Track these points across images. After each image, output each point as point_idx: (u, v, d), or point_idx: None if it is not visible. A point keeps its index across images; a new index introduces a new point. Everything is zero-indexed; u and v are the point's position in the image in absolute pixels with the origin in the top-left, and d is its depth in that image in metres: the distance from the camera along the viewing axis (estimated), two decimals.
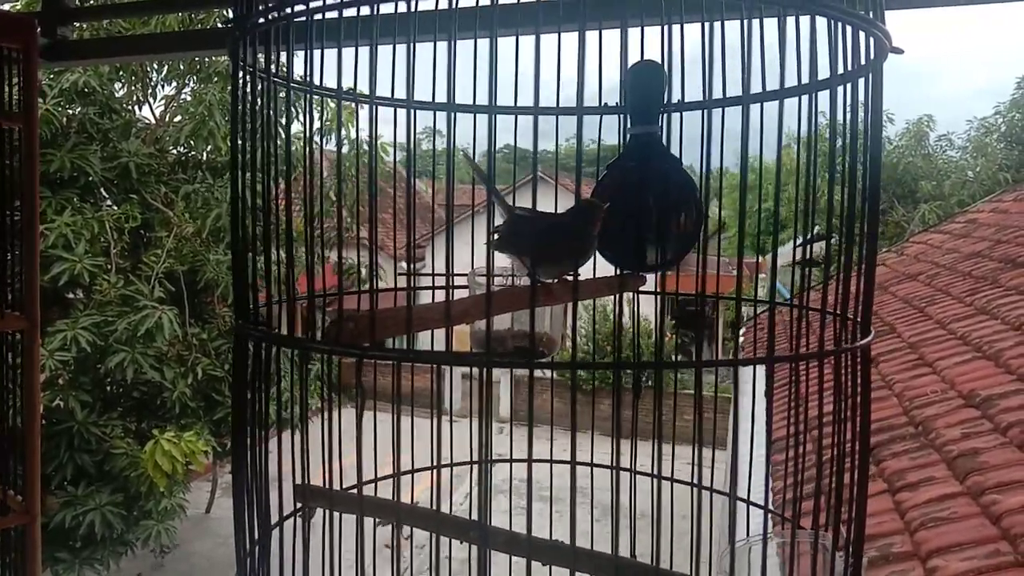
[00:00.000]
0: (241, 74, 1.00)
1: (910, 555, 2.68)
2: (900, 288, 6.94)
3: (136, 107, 9.50)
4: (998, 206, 9.67)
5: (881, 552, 2.73)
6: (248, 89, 0.99)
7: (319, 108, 1.09)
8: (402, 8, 1.00)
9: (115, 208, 8.70)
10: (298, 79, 1.07)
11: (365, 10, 0.92)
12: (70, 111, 8.56)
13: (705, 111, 1.17)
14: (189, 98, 9.36)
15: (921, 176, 18.76)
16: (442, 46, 1.20)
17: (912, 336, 5.31)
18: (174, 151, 9.43)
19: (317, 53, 0.99)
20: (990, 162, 18.46)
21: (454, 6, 0.91)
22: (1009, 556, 2.44)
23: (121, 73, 9.06)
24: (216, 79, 9.00)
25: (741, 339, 7.12)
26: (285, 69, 1.06)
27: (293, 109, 1.08)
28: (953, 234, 9.15)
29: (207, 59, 8.73)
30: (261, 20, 0.95)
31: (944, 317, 5.45)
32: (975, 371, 4.15)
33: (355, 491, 1.13)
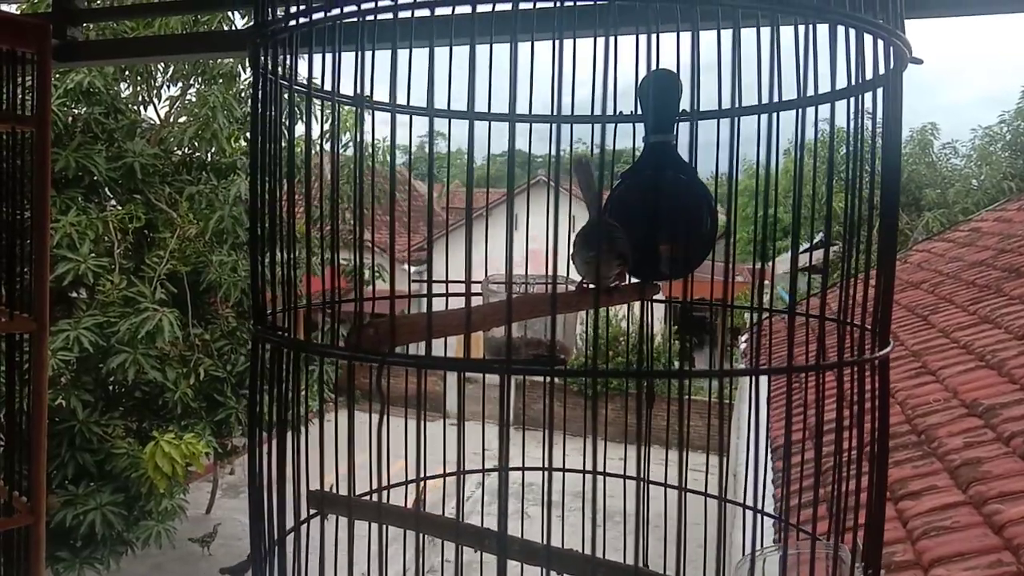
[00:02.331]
0: (261, 80, 1.01)
1: (912, 564, 2.68)
2: (903, 296, 6.93)
3: (141, 108, 9.54)
4: (1002, 215, 9.66)
5: (883, 561, 2.73)
6: (268, 96, 0.99)
7: (333, 114, 1.09)
8: (420, 13, 1.00)
9: (119, 208, 8.72)
10: (316, 85, 1.07)
11: (385, 16, 0.92)
12: (75, 111, 8.58)
13: (721, 120, 1.17)
14: (194, 99, 9.38)
15: (925, 184, 18.76)
16: (459, 52, 1.20)
17: (915, 344, 5.30)
18: (178, 152, 9.45)
19: (335, 58, 0.99)
20: (994, 171, 18.46)
21: (474, 11, 0.92)
22: (1012, 567, 2.44)
23: (127, 74, 9.08)
24: (220, 80, 9.02)
25: (743, 347, 7.12)
26: (292, 73, 1.06)
27: (300, 111, 1.08)
28: (957, 242, 9.14)
29: (211, 61, 8.75)
30: (282, 27, 0.96)
31: (947, 326, 5.45)
32: (978, 380, 4.14)
33: (370, 497, 1.13)
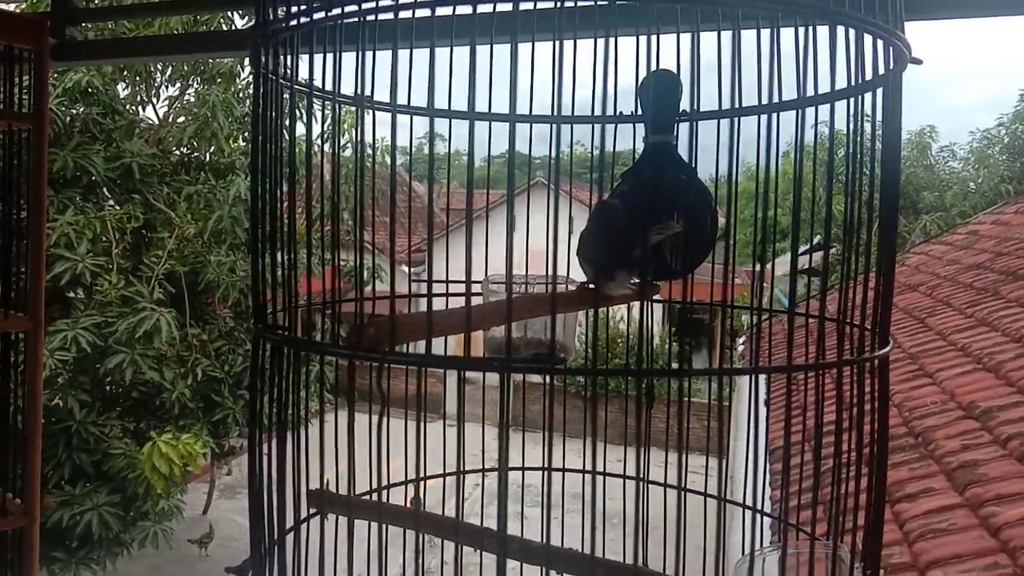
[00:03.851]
0: (262, 80, 1.01)
1: (909, 566, 2.68)
2: (901, 298, 6.94)
3: (139, 108, 9.52)
4: (999, 218, 9.68)
5: (881, 563, 2.73)
6: (269, 95, 0.99)
7: (334, 113, 1.09)
8: (421, 13, 1.00)
9: (117, 208, 8.71)
10: (316, 85, 1.07)
11: (386, 16, 0.92)
12: (73, 111, 8.57)
13: (721, 120, 1.18)
14: (192, 99, 9.37)
15: (923, 187, 18.78)
16: (459, 52, 1.20)
17: (912, 347, 5.31)
18: (177, 152, 9.44)
19: (335, 58, 0.99)
20: (992, 174, 18.49)
21: (474, 11, 0.92)
22: (1008, 569, 2.44)
23: (125, 74, 9.07)
24: (219, 80, 9.01)
25: (742, 347, 7.12)
26: (292, 72, 1.06)
27: (302, 111, 1.09)
28: (954, 245, 9.15)
29: (211, 60, 8.74)
30: (283, 26, 0.96)
31: (945, 328, 5.46)
32: (975, 383, 4.15)
33: (370, 496, 1.13)
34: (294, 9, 0.94)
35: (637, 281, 1.19)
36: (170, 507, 8.54)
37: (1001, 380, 4.04)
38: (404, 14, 0.93)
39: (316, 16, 0.93)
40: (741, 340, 7.35)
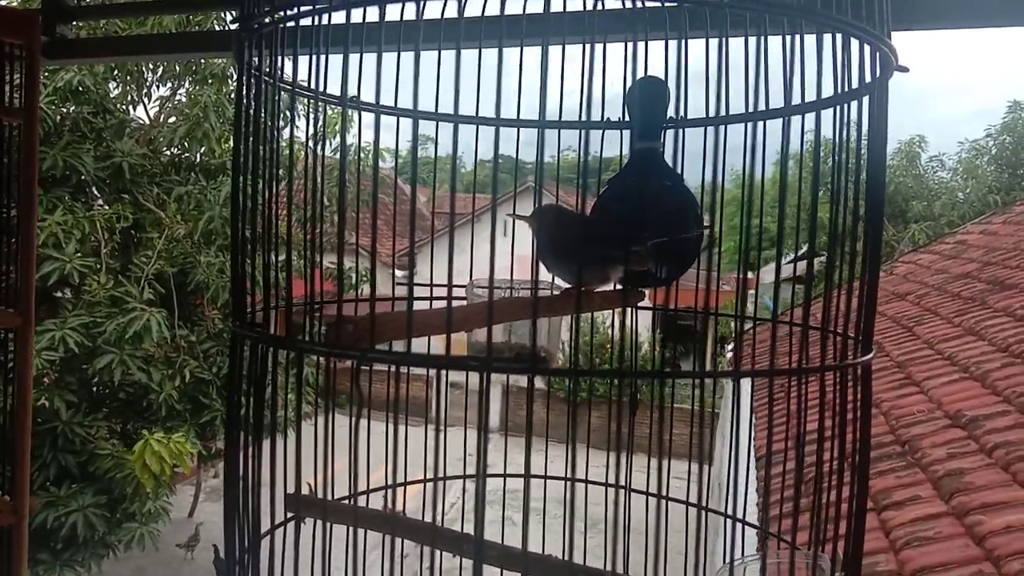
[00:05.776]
0: (245, 77, 1.00)
1: (895, 574, 2.69)
2: (889, 307, 6.97)
3: (130, 107, 9.47)
4: (987, 228, 9.74)
5: (866, 571, 2.74)
6: (252, 92, 0.99)
7: (320, 113, 1.09)
8: (408, 15, 0.99)
9: (107, 208, 8.66)
10: (301, 84, 1.07)
11: (372, 16, 0.91)
12: (64, 110, 8.52)
13: (707, 128, 1.17)
14: (184, 99, 9.34)
15: (912, 196, 18.88)
16: (446, 55, 1.20)
17: (900, 355, 5.33)
18: (168, 152, 9.39)
19: (321, 58, 0.99)
20: (980, 184, 18.60)
21: (461, 14, 0.91)
22: None
23: (116, 73, 9.03)
24: (211, 81, 8.98)
25: (730, 354, 7.14)
26: (283, 72, 1.05)
27: (289, 113, 1.08)
28: (942, 255, 9.20)
29: (203, 61, 8.71)
30: (267, 22, 0.95)
31: (932, 337, 5.48)
32: (962, 391, 4.17)
33: (348, 501, 1.12)
34: (279, 5, 0.94)
35: (620, 287, 1.19)
36: (157, 509, 8.48)
37: (988, 389, 4.06)
38: (391, 16, 0.93)
39: (303, 8, 0.93)
40: (729, 347, 7.37)
